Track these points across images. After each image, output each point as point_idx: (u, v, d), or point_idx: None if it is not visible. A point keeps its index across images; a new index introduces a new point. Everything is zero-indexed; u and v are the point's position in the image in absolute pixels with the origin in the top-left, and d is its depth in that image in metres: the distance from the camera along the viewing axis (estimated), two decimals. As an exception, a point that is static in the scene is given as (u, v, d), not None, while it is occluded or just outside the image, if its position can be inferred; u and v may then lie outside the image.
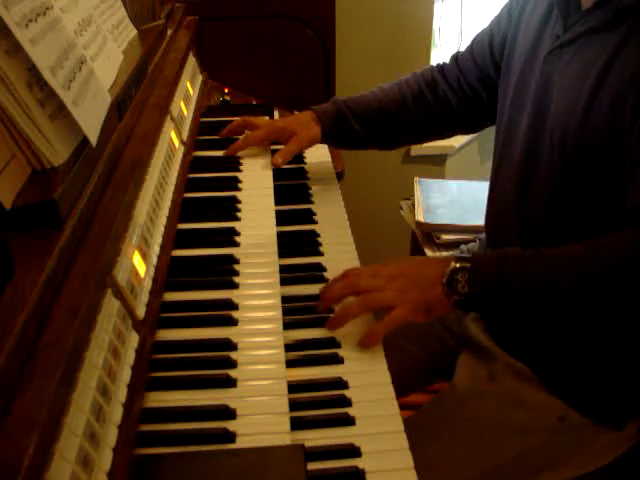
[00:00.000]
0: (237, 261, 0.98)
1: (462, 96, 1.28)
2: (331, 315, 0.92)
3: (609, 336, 0.98)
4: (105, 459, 0.59)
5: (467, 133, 1.43)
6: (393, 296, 0.89)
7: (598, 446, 1.01)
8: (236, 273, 0.96)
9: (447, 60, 1.34)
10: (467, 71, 1.26)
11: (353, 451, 0.74)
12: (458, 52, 1.31)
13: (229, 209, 1.12)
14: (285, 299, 0.93)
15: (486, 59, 1.22)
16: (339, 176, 1.37)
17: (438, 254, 1.63)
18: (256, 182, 1.21)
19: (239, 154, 1.31)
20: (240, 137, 1.34)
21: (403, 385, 1.17)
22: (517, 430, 1.00)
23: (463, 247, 1.36)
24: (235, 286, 0.93)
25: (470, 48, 1.28)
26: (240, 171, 1.26)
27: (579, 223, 0.96)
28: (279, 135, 1.30)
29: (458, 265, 0.89)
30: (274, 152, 1.29)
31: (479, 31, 1.29)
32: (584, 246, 0.88)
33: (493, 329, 1.10)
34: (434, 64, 1.35)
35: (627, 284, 0.84)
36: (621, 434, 1.01)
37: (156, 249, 0.91)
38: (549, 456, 1.00)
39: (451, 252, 1.43)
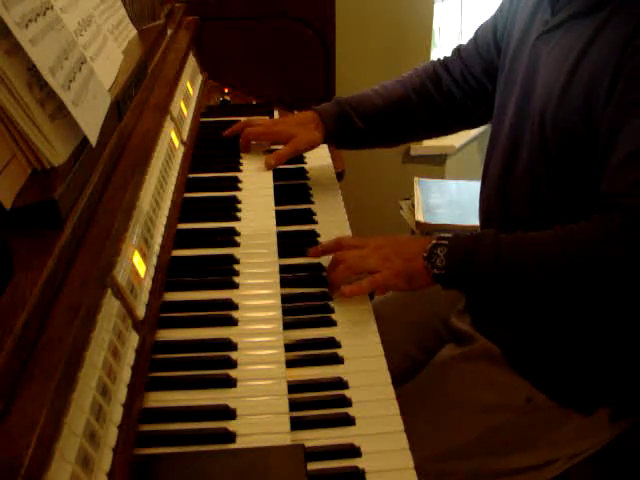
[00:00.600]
0: (237, 261, 0.98)
1: (467, 89, 1.27)
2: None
3: (577, 321, 1.01)
4: (105, 459, 0.59)
5: (471, 127, 1.43)
6: (377, 262, 0.97)
7: (570, 430, 1.03)
8: (236, 273, 0.96)
9: (448, 54, 1.33)
10: (472, 64, 1.26)
11: (353, 451, 0.74)
12: (460, 45, 1.31)
13: (229, 209, 1.12)
14: (285, 299, 0.93)
15: (491, 49, 1.22)
16: (339, 176, 1.37)
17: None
18: (256, 182, 1.21)
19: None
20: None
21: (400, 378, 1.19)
22: (484, 408, 1.03)
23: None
24: (235, 286, 0.93)
25: (474, 40, 1.27)
26: (240, 171, 1.26)
27: (560, 207, 0.99)
28: (278, 136, 1.29)
29: (438, 242, 0.96)
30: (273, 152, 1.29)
31: (481, 24, 1.28)
32: (553, 232, 0.92)
33: (474, 313, 1.13)
34: (435, 59, 1.35)
35: (591, 272, 0.88)
36: (592, 419, 1.03)
37: (156, 249, 0.91)
38: (516, 435, 1.03)
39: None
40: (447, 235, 0.97)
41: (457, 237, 0.96)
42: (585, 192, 0.95)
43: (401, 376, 1.15)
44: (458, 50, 1.30)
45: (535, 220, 0.99)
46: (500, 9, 1.21)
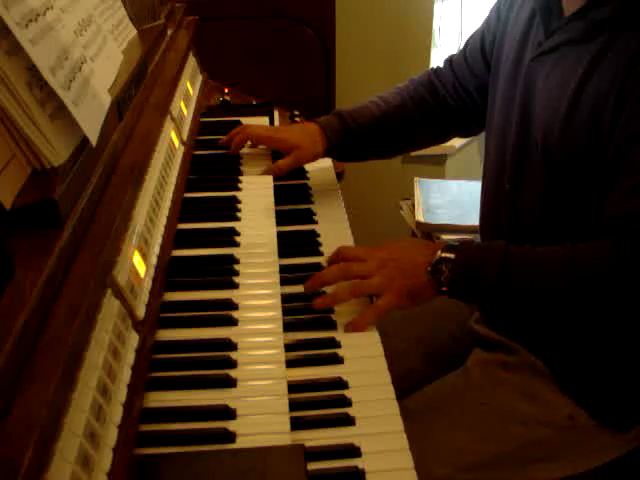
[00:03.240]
0: (237, 261, 0.98)
1: (460, 102, 1.27)
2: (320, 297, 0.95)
3: (617, 339, 0.99)
4: (105, 459, 0.59)
5: (467, 136, 1.43)
6: (380, 283, 0.94)
7: (598, 445, 1.02)
8: (236, 273, 0.96)
9: (448, 54, 1.32)
10: (463, 78, 1.26)
11: (353, 451, 0.74)
12: (452, 56, 1.30)
13: (229, 209, 1.12)
14: (285, 299, 0.93)
15: (480, 66, 1.22)
16: (339, 176, 1.37)
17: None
18: (256, 182, 1.21)
19: (240, 153, 1.31)
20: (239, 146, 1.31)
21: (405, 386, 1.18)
22: (525, 421, 1.01)
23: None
24: (235, 286, 0.93)
25: (463, 54, 1.27)
26: (240, 171, 1.26)
27: (569, 225, 0.98)
28: (281, 144, 1.26)
29: (443, 255, 0.93)
30: (274, 152, 1.29)
31: (471, 35, 1.28)
32: (563, 250, 0.91)
33: (504, 329, 1.10)
34: (429, 69, 1.34)
35: (600, 292, 0.88)
36: (623, 436, 1.01)
37: (156, 249, 0.91)
38: (551, 450, 1.01)
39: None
40: (453, 244, 0.94)
41: (463, 252, 0.93)
42: (594, 211, 0.94)
43: (404, 389, 1.15)
44: (450, 62, 1.30)
45: (545, 237, 0.97)
46: (487, 24, 1.20)
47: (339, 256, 1.00)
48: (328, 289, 0.98)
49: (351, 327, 0.91)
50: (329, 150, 1.25)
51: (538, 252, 0.92)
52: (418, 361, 1.20)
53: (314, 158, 1.25)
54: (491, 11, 1.20)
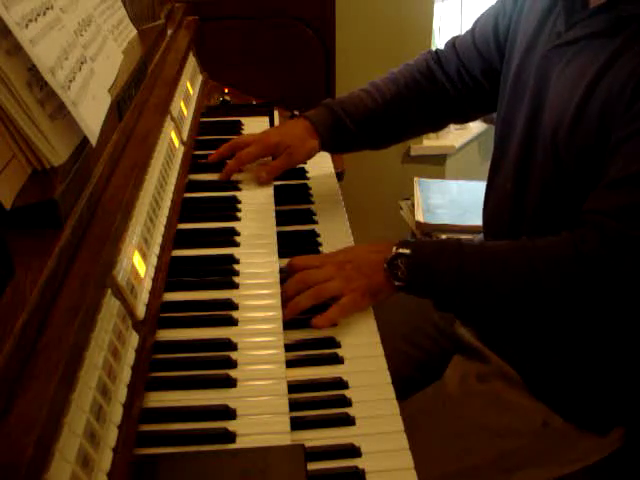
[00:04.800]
0: (237, 261, 0.98)
1: (461, 87, 1.23)
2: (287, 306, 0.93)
3: (589, 342, 0.99)
4: (105, 459, 0.59)
5: (463, 122, 1.39)
6: (339, 285, 0.94)
7: (582, 450, 1.01)
8: (236, 273, 0.96)
9: (442, 47, 1.27)
10: (469, 61, 1.21)
11: (353, 451, 0.74)
12: (455, 38, 1.25)
13: (229, 209, 1.12)
14: (285, 299, 0.93)
15: (490, 47, 1.17)
16: (339, 176, 1.37)
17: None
18: (256, 182, 1.21)
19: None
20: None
21: (405, 383, 1.17)
22: (499, 432, 1.00)
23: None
24: (235, 286, 0.93)
25: (471, 35, 1.21)
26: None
27: (573, 222, 0.96)
28: (273, 151, 1.21)
29: (399, 251, 0.93)
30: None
31: (481, 15, 1.22)
32: (519, 245, 0.91)
33: (483, 333, 1.11)
34: (427, 51, 1.29)
35: (554, 287, 0.88)
36: (605, 439, 1.01)
37: (156, 249, 0.91)
38: (529, 458, 1.01)
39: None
40: (410, 240, 0.95)
41: (418, 246, 0.95)
42: None
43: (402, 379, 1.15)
44: (453, 44, 1.24)
45: (547, 233, 0.96)
46: (502, 8, 1.15)
47: (292, 269, 0.98)
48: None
49: (317, 322, 0.91)
50: (323, 143, 1.22)
51: (492, 246, 0.93)
52: (400, 364, 1.19)
53: (309, 155, 1.22)
54: None
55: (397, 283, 0.93)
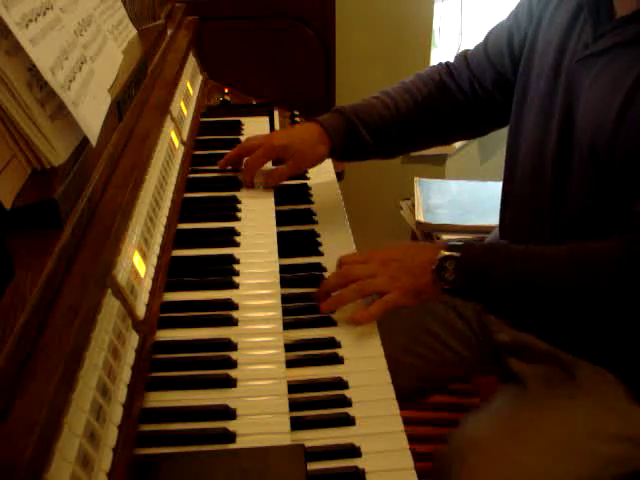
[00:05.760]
0: (237, 261, 0.98)
1: (473, 98, 1.21)
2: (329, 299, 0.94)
3: None
4: (105, 459, 0.59)
5: (472, 137, 1.38)
6: (385, 282, 0.94)
7: None
8: (236, 273, 0.96)
9: (452, 60, 1.26)
10: (481, 72, 1.20)
11: (353, 451, 0.74)
12: (467, 51, 1.24)
13: (229, 209, 1.12)
14: (285, 299, 0.93)
15: (504, 61, 1.16)
16: (339, 176, 1.37)
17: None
18: (257, 183, 1.21)
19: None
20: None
21: (410, 394, 1.16)
22: (607, 438, 0.95)
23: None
24: (235, 286, 0.93)
25: (484, 48, 1.20)
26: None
27: (617, 229, 0.93)
28: (281, 153, 1.18)
29: (447, 253, 0.92)
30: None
31: (493, 28, 1.21)
32: (568, 248, 0.90)
33: (559, 337, 1.05)
34: (438, 64, 1.28)
35: (607, 289, 0.86)
36: None
37: (156, 249, 0.91)
38: (633, 466, 0.97)
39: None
40: (457, 243, 0.94)
41: (467, 249, 0.93)
42: None
43: (416, 383, 1.14)
44: (465, 57, 1.23)
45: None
46: (515, 21, 1.14)
47: (340, 264, 0.99)
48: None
49: (357, 317, 0.91)
50: (333, 152, 1.20)
51: (542, 248, 0.91)
52: (429, 363, 1.18)
53: (318, 161, 1.20)
54: (519, 7, 1.14)
55: (443, 285, 0.92)
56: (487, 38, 1.21)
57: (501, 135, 1.26)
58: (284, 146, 1.17)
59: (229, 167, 1.25)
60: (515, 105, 1.12)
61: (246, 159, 1.20)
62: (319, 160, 1.20)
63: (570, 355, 1.03)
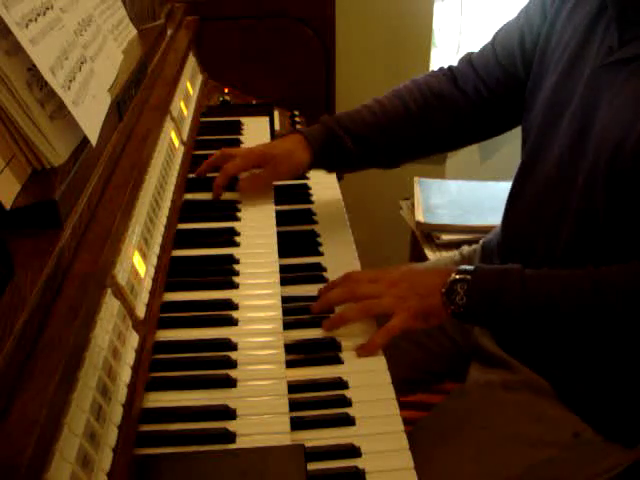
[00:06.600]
0: (237, 261, 0.98)
1: (479, 103, 1.17)
2: (330, 315, 0.92)
3: (625, 355, 0.95)
4: (105, 459, 0.59)
5: (470, 144, 1.30)
6: (392, 303, 0.91)
7: (609, 462, 0.98)
8: (236, 273, 0.96)
9: (455, 64, 1.22)
10: (489, 76, 1.15)
11: (353, 451, 0.74)
12: (471, 54, 1.20)
13: (229, 209, 1.12)
14: (285, 299, 0.93)
15: (516, 61, 1.11)
16: (339, 176, 1.37)
17: (438, 254, 1.62)
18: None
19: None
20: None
21: (407, 384, 1.16)
22: (531, 442, 0.96)
23: (465, 247, 1.32)
24: (235, 286, 0.93)
25: (492, 49, 1.15)
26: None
27: (613, 245, 0.91)
28: (259, 161, 1.16)
29: (458, 276, 0.90)
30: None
31: (501, 29, 1.16)
32: (586, 273, 0.87)
33: (507, 343, 1.06)
34: (439, 69, 1.23)
35: (624, 317, 0.84)
36: (632, 451, 0.98)
37: (156, 249, 0.91)
38: (559, 469, 0.97)
39: (452, 252, 1.40)
40: (469, 267, 0.91)
41: (480, 272, 0.90)
42: None
43: (405, 374, 1.12)
44: (469, 60, 1.18)
45: (585, 253, 0.92)
46: (527, 21, 1.09)
47: (346, 279, 0.95)
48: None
49: (362, 351, 0.88)
50: (314, 159, 1.15)
51: (557, 273, 0.89)
52: (420, 356, 1.18)
53: (295, 170, 1.16)
54: (531, 6, 1.09)
55: (453, 308, 0.89)
56: (494, 39, 1.17)
57: (501, 135, 1.26)
58: (262, 153, 1.16)
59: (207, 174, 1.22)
60: (527, 107, 1.07)
61: (224, 165, 1.18)
62: (299, 167, 1.16)
63: (512, 358, 1.03)
